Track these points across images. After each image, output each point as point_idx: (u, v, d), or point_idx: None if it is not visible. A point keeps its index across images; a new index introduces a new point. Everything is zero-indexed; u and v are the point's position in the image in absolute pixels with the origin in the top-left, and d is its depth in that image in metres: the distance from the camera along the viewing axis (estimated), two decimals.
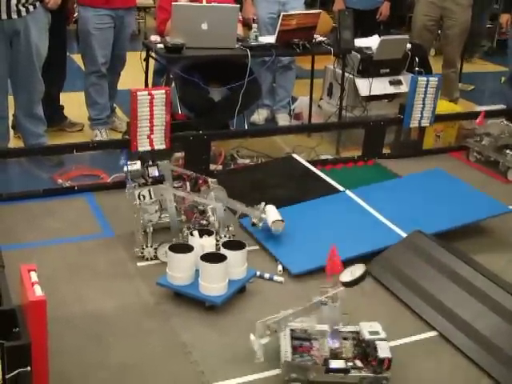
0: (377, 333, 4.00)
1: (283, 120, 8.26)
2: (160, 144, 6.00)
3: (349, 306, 4.60)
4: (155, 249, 5.02)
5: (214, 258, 4.54)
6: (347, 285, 3.94)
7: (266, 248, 5.30)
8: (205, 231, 4.86)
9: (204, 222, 5.15)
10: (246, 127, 7.69)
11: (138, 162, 5.23)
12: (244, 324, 4.44)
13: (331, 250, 4.08)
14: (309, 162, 6.78)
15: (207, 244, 4.71)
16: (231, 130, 7.35)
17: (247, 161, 6.94)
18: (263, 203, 5.30)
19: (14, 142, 6.92)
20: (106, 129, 7.51)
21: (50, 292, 3.39)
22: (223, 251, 4.65)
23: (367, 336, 3.98)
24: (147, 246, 5.03)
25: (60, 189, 6.16)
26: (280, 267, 5.04)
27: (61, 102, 7.66)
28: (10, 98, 6.53)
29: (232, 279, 4.61)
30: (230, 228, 5.23)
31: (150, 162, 5.24)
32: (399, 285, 4.89)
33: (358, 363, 3.91)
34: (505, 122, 7.38)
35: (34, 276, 3.42)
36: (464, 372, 4.18)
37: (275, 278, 4.93)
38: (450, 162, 7.39)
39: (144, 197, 5.08)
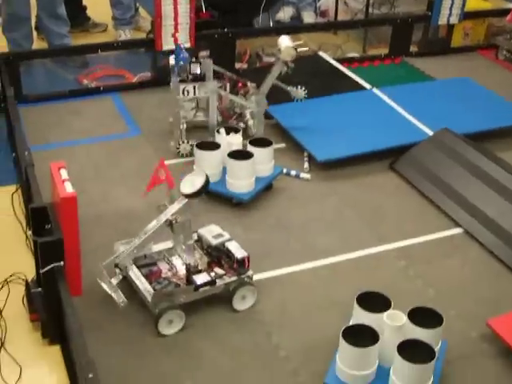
0: (220, 235, 3.86)
1: (309, 17, 8.13)
2: (185, 42, 5.93)
3: (371, 201, 4.66)
4: (192, 145, 5.00)
5: (241, 155, 4.57)
6: (189, 196, 3.59)
7: (293, 138, 5.29)
8: (232, 129, 4.86)
9: (242, 125, 5.16)
10: (271, 25, 7.57)
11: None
12: (271, 220, 4.51)
13: (159, 164, 3.74)
14: (335, 59, 6.71)
15: (234, 141, 4.73)
16: (256, 28, 7.24)
17: (272, 59, 6.83)
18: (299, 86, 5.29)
19: (38, 44, 6.88)
20: (130, 29, 7.44)
21: (79, 191, 3.42)
22: (250, 148, 4.67)
23: (214, 241, 3.83)
24: (183, 142, 5.07)
25: (86, 89, 6.17)
26: (306, 164, 5.06)
27: (83, 3, 7.57)
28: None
29: (259, 176, 4.64)
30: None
31: (194, 59, 5.19)
32: (425, 182, 4.90)
33: (219, 271, 3.78)
34: None
35: (64, 173, 3.46)
36: (489, 267, 4.22)
37: (301, 175, 4.96)
38: (479, 60, 7.26)
39: (188, 92, 5.06)
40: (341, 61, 6.74)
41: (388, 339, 3.21)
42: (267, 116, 5.53)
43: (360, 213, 4.63)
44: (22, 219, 4.43)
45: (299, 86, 5.34)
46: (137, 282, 3.72)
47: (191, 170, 4.65)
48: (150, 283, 3.70)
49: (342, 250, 4.26)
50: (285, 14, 8.12)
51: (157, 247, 3.92)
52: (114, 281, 3.58)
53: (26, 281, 3.70)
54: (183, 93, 5.04)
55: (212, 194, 4.60)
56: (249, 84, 5.30)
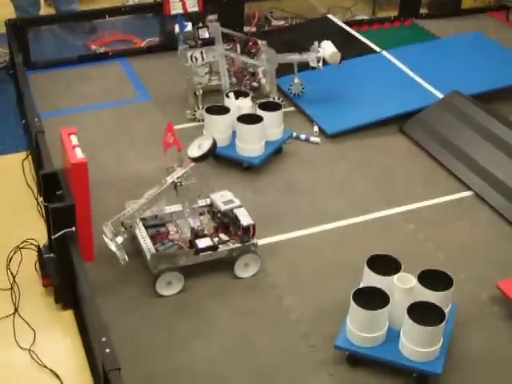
0: (231, 201, 3.86)
1: None
2: (193, 6, 5.87)
3: (381, 164, 4.66)
4: None
5: (250, 119, 4.56)
6: (196, 160, 3.68)
7: (302, 110, 5.29)
8: (241, 93, 4.85)
9: (255, 85, 5.15)
10: None
11: (190, 24, 5.17)
12: (281, 184, 4.52)
13: (166, 128, 3.77)
14: (344, 22, 6.66)
15: (244, 105, 4.72)
16: None
17: (281, 22, 6.83)
18: (316, 42, 5.19)
19: (45, 10, 6.86)
20: None
21: (90, 156, 3.44)
22: (259, 112, 4.66)
23: (223, 207, 3.83)
24: (198, 108, 5.05)
25: (94, 55, 6.15)
26: (316, 128, 5.05)
27: None
28: None
29: (268, 140, 4.64)
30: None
31: (201, 24, 5.16)
32: (435, 144, 4.89)
33: (224, 236, 3.80)
34: None
35: (74, 139, 3.47)
36: (499, 230, 4.22)
37: (311, 138, 4.95)
38: (489, 21, 7.20)
39: (196, 59, 5.04)
40: (350, 23, 6.70)
41: (398, 302, 3.23)
42: None
43: (369, 176, 4.63)
44: (33, 186, 4.45)
45: (301, 84, 5.33)
46: (141, 242, 3.75)
47: (201, 134, 4.66)
48: (155, 244, 3.73)
49: (352, 214, 4.28)
50: None
51: (169, 209, 3.94)
52: (119, 239, 3.58)
53: (39, 246, 3.73)
54: (191, 59, 5.02)
55: (222, 159, 4.61)
56: (259, 42, 5.27)
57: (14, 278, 3.69)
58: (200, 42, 5.04)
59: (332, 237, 4.11)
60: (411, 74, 5.67)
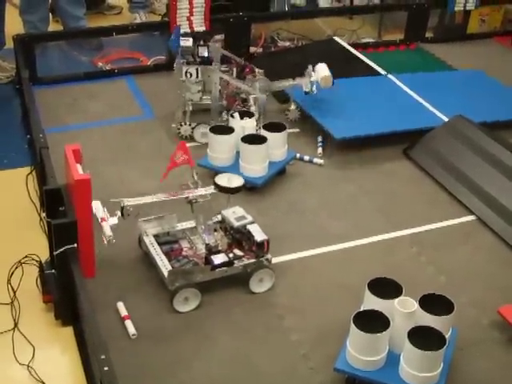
0: (243, 217, 3.89)
1: (324, 2, 8.08)
2: (200, 26, 5.93)
3: (385, 188, 4.66)
4: (192, 128, 5.06)
5: (254, 139, 4.57)
6: (220, 189, 3.80)
7: (309, 119, 5.29)
8: (246, 113, 4.86)
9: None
10: (287, 9, 7.54)
11: (191, 39, 5.19)
12: (284, 205, 4.52)
13: (178, 147, 3.83)
14: (350, 44, 6.69)
15: (248, 126, 4.73)
16: (272, 12, 7.23)
17: (287, 43, 6.86)
18: (310, 66, 5.20)
19: (53, 26, 6.89)
20: (146, 12, 7.43)
21: (93, 173, 3.44)
22: (264, 133, 4.67)
23: (236, 223, 3.85)
24: (185, 124, 5.08)
25: (100, 72, 6.18)
26: (320, 150, 5.06)
27: None
28: None
29: (272, 161, 4.65)
30: None
31: (202, 42, 5.20)
32: (438, 169, 4.89)
33: (238, 252, 3.81)
34: None
35: (78, 155, 3.48)
36: (501, 255, 4.22)
37: (315, 160, 4.96)
38: (495, 47, 7.23)
39: (191, 74, 5.07)
40: (356, 46, 6.73)
41: (399, 325, 3.22)
42: (282, 101, 5.52)
43: (373, 199, 4.63)
44: (36, 201, 4.45)
45: (296, 107, 5.35)
46: (156, 259, 3.78)
47: (204, 153, 4.68)
48: (170, 260, 3.76)
49: (355, 236, 4.27)
50: None
51: (180, 225, 3.98)
52: (114, 220, 3.59)
53: (40, 262, 3.73)
54: (186, 75, 5.05)
55: None
56: (256, 70, 5.28)
57: (14, 293, 3.69)
58: (199, 59, 5.06)
59: (334, 258, 4.10)
60: (416, 96, 5.69)
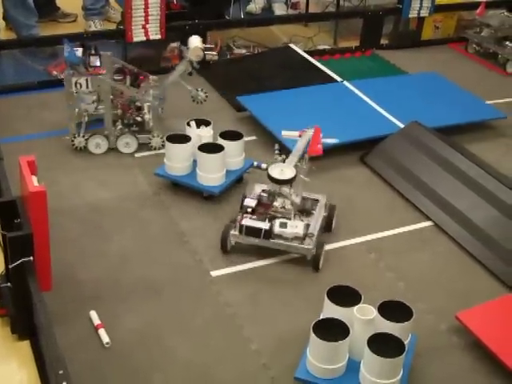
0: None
1: (280, 9, 8.10)
2: (155, 34, 5.92)
3: (342, 194, 4.67)
4: (86, 139, 5.00)
5: (211, 148, 4.55)
6: (272, 179, 4.02)
7: (265, 128, 5.27)
8: (203, 122, 4.84)
9: (139, 119, 5.09)
10: (243, 17, 7.56)
11: (80, 50, 5.08)
12: None
13: (315, 132, 4.10)
14: (306, 52, 6.72)
15: (204, 134, 4.71)
16: (227, 20, 7.23)
17: (243, 51, 6.87)
18: (184, 46, 5.23)
19: (5, 34, 6.80)
20: (101, 19, 7.36)
21: (49, 184, 3.39)
22: (220, 141, 4.65)
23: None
24: (78, 136, 5.01)
25: (55, 80, 6.08)
26: (278, 157, 5.03)
27: None
28: None
29: (229, 169, 4.64)
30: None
31: (93, 51, 5.10)
32: (395, 175, 4.92)
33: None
34: (505, 14, 7.28)
35: (33, 167, 3.43)
36: (459, 261, 4.25)
37: None
38: (449, 53, 7.32)
39: (81, 85, 4.96)
40: (312, 53, 6.77)
41: (358, 333, 3.22)
42: (238, 109, 5.52)
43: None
44: None
45: (200, 88, 5.33)
46: None
47: (161, 162, 4.65)
48: None
49: None
50: (256, 5, 8.10)
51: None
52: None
53: None
54: (75, 85, 4.96)
55: (183, 187, 4.60)
56: (150, 77, 5.20)
57: None
58: (91, 69, 4.98)
59: (292, 266, 4.10)
60: (372, 103, 5.72)
